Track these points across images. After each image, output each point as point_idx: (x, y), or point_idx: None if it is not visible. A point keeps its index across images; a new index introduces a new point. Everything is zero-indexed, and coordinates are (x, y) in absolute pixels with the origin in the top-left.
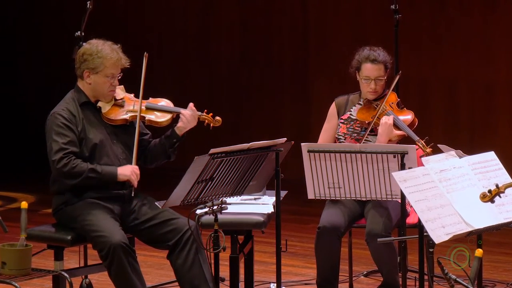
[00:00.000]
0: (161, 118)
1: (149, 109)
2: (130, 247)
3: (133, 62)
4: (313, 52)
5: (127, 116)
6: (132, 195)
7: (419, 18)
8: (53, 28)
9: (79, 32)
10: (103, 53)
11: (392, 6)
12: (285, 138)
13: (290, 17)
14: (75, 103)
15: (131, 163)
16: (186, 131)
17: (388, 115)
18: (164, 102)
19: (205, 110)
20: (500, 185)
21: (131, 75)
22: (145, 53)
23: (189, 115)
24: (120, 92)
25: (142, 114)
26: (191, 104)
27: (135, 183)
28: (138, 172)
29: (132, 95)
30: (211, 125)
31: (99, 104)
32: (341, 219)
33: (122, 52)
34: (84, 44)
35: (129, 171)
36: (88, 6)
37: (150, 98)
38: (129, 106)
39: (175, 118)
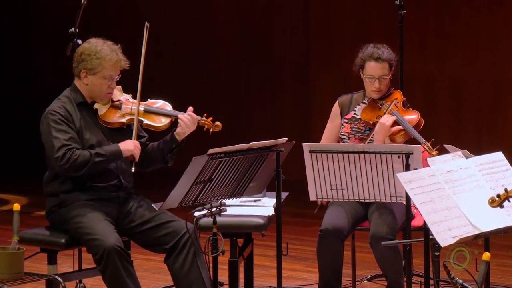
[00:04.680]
0: (160, 122)
1: (147, 112)
2: (125, 251)
3: (130, 62)
4: (315, 50)
5: (124, 119)
6: (133, 170)
7: (425, 14)
8: (46, 24)
9: (73, 28)
10: (102, 54)
11: (397, 2)
12: (286, 138)
13: (291, 14)
14: (72, 103)
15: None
16: (186, 136)
17: (392, 115)
18: (161, 103)
19: (205, 114)
20: (509, 189)
21: (130, 75)
22: (146, 22)
23: (187, 120)
24: (117, 93)
25: (139, 118)
26: (190, 108)
27: (138, 157)
28: (139, 146)
29: (129, 96)
30: (211, 130)
31: (96, 105)
32: (344, 221)
33: (122, 53)
34: (80, 42)
35: (132, 146)
36: (82, 1)
37: (148, 100)
38: (127, 109)
39: (174, 122)
